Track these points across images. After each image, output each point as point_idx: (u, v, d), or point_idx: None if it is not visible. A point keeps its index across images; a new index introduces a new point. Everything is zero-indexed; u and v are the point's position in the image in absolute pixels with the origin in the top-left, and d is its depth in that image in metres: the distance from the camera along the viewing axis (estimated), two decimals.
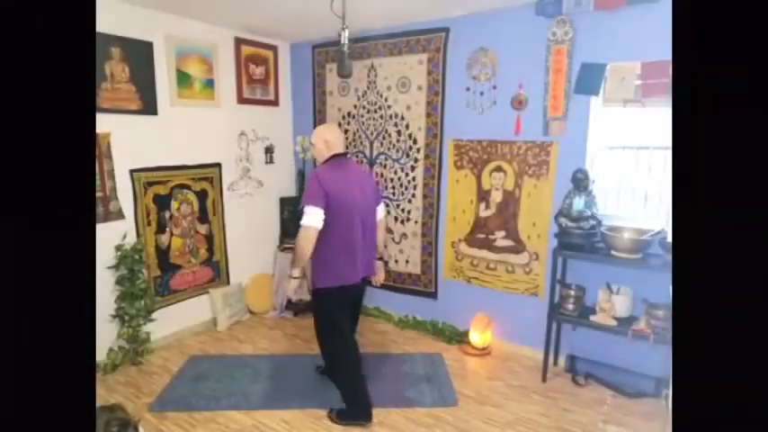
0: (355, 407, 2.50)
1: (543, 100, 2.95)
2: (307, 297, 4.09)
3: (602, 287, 2.77)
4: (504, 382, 2.96)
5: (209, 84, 3.54)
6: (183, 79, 3.34)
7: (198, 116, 3.49)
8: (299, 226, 2.34)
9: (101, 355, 2.99)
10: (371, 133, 3.79)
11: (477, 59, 3.17)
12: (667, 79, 2.50)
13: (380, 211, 2.68)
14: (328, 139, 2.47)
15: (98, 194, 2.93)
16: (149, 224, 3.27)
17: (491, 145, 3.21)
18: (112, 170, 3.00)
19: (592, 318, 2.74)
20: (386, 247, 3.71)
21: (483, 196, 3.31)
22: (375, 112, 3.73)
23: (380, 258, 2.74)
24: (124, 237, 3.10)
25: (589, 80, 2.75)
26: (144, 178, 3.20)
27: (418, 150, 3.55)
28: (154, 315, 3.27)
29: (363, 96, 3.78)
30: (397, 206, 3.75)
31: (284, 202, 4.17)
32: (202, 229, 3.64)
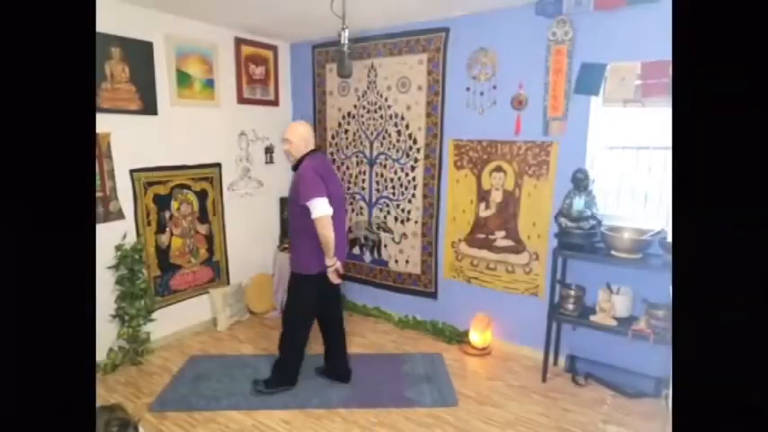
0: (287, 376, 2.78)
1: (543, 100, 2.95)
2: None
3: (602, 287, 2.77)
4: (504, 382, 2.96)
5: (209, 84, 3.54)
6: (182, 79, 3.34)
7: (198, 116, 3.49)
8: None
9: (101, 355, 2.99)
10: (371, 133, 3.79)
11: (477, 59, 3.17)
12: (667, 79, 2.50)
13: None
14: (307, 137, 2.64)
15: (98, 194, 2.93)
16: (149, 224, 3.27)
17: (491, 145, 3.21)
18: (112, 170, 3.00)
19: (592, 318, 2.74)
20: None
21: (483, 196, 3.31)
22: (375, 112, 3.73)
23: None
24: (124, 237, 3.10)
25: (589, 80, 2.75)
26: (144, 178, 3.20)
27: (418, 150, 3.55)
28: (154, 315, 3.27)
29: (363, 96, 3.78)
30: (397, 206, 3.75)
31: (284, 202, 4.16)
32: (202, 229, 3.64)
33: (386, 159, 3.75)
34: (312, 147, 2.67)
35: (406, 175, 3.66)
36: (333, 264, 2.57)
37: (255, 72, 3.89)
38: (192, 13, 3.23)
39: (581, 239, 2.73)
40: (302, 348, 2.79)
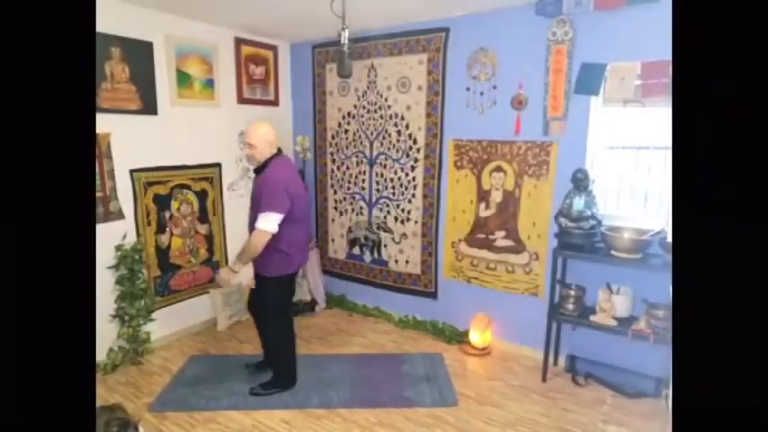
0: (286, 378, 2.81)
1: (543, 100, 2.95)
2: (306, 297, 4.09)
3: (602, 287, 2.77)
4: (504, 382, 2.96)
5: (209, 84, 3.54)
6: (182, 79, 3.34)
7: (198, 116, 3.49)
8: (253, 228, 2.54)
9: (101, 355, 2.99)
10: (371, 133, 3.79)
11: (477, 59, 3.17)
12: (667, 79, 2.50)
13: None
14: (270, 139, 2.56)
15: (98, 194, 2.93)
16: (149, 224, 3.27)
17: (491, 145, 3.21)
18: (112, 170, 3.00)
19: (592, 318, 2.74)
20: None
21: (483, 196, 3.31)
22: (375, 112, 3.74)
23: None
24: (124, 237, 3.10)
25: (589, 80, 2.75)
26: (144, 178, 3.20)
27: (418, 150, 3.56)
28: (154, 315, 3.27)
29: (363, 96, 3.78)
30: (397, 206, 3.75)
31: None
32: (202, 229, 3.64)
33: (386, 159, 3.75)
34: (276, 149, 2.60)
35: (406, 175, 3.66)
36: (239, 270, 2.56)
37: (255, 72, 3.89)
38: (192, 13, 3.23)
39: (581, 239, 2.73)
40: (290, 340, 2.81)
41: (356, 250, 4.06)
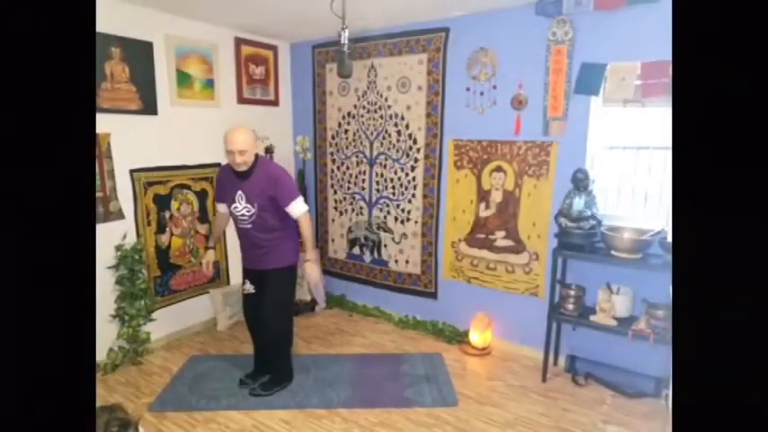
0: (285, 374, 2.86)
1: (543, 100, 2.95)
2: (306, 297, 4.09)
3: (602, 287, 2.77)
4: (504, 382, 2.96)
5: (209, 84, 3.54)
6: (182, 79, 3.34)
7: (198, 116, 3.49)
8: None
9: (101, 355, 2.99)
10: (371, 133, 3.79)
11: (477, 59, 3.17)
12: (667, 79, 2.50)
13: None
14: (255, 142, 2.65)
15: (98, 194, 2.93)
16: (149, 224, 3.27)
17: (491, 145, 3.21)
18: (112, 170, 3.00)
19: (592, 318, 2.74)
20: None
21: (483, 196, 3.31)
22: (375, 112, 3.73)
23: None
24: (124, 237, 3.10)
25: (589, 80, 2.75)
26: (144, 178, 3.20)
27: (418, 150, 3.55)
28: (154, 315, 3.27)
29: (363, 96, 3.78)
30: (397, 206, 3.75)
31: None
32: (202, 229, 3.64)
33: (386, 159, 3.75)
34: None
35: (406, 175, 3.66)
36: (311, 258, 2.71)
37: (255, 72, 3.89)
38: (192, 13, 3.23)
39: (581, 239, 2.73)
40: (291, 336, 2.93)
41: (356, 250, 4.06)
